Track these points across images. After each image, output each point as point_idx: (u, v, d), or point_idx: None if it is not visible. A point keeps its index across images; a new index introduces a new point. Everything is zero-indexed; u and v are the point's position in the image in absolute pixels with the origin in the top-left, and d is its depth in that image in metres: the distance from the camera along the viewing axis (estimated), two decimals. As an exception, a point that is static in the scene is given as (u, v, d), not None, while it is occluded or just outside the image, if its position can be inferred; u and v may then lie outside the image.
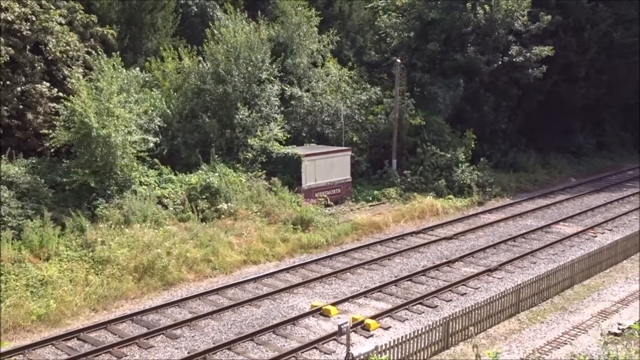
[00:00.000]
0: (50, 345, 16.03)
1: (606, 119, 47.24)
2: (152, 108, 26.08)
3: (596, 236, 26.52)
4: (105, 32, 26.58)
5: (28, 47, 23.74)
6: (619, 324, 16.99)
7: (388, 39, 39.69)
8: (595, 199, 33.79)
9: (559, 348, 16.04)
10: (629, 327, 16.40)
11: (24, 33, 23.16)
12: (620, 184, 37.91)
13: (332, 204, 28.37)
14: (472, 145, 34.26)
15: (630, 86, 44.00)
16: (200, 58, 29.12)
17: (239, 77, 28.59)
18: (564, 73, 39.44)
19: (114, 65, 24.35)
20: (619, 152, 47.55)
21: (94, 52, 25.02)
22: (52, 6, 24.35)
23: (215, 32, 29.35)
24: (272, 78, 30.56)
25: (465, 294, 19.90)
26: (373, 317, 17.58)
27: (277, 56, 31.00)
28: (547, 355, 15.68)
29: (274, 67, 30.42)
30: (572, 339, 16.54)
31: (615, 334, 16.50)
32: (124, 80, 24.59)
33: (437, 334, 15.81)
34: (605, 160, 44.99)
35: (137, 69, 26.65)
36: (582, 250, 24.28)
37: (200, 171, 25.99)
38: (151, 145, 25.15)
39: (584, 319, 17.91)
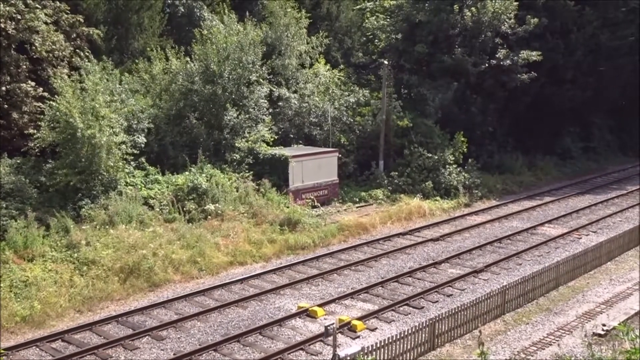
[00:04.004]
0: (34, 347, 15.90)
1: (592, 122, 47.61)
2: (140, 111, 25.95)
3: (581, 238, 26.71)
4: (91, 32, 26.43)
5: (13, 46, 23.56)
6: (603, 325, 17.12)
7: (376, 40, 39.87)
8: (580, 201, 34.04)
9: (544, 349, 16.15)
10: (614, 328, 16.53)
11: (9, 32, 22.98)
12: (604, 186, 38.21)
13: (319, 205, 28.36)
14: (464, 149, 34.36)
15: (616, 89, 44.41)
16: (188, 58, 29.01)
17: (228, 78, 28.52)
18: (551, 76, 39.70)
19: (104, 67, 24.36)
20: (604, 155, 47.94)
21: (82, 52, 24.92)
22: (37, 5, 24.18)
23: (205, 32, 29.27)
24: (261, 80, 30.52)
25: (451, 295, 19.96)
26: (360, 318, 17.59)
27: (266, 58, 30.96)
28: (532, 356, 15.77)
29: (263, 69, 30.38)
30: (557, 340, 16.65)
31: (600, 335, 16.64)
32: (110, 82, 24.64)
33: (424, 335, 15.85)
34: (591, 163, 45.34)
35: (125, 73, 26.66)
36: (567, 251, 24.44)
37: (187, 172, 25.89)
38: (139, 143, 25.04)
39: (569, 320, 18.03)
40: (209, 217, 24.17)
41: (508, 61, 35.87)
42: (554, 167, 41.79)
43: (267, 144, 29.05)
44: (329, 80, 33.96)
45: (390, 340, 14.92)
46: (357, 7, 41.83)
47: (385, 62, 34.33)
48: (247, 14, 31.67)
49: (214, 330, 17.08)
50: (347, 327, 17.05)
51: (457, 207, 31.77)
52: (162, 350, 15.90)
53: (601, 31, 40.70)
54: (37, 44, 23.78)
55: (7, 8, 22.86)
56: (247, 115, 29.25)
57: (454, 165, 33.58)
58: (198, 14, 32.82)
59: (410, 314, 18.44)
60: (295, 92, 32.85)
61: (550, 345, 16.38)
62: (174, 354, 15.55)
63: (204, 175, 25.58)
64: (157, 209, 23.65)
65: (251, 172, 27.37)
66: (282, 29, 33.21)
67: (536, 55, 36.10)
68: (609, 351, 14.77)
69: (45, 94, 23.57)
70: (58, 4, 25.34)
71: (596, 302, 19.41)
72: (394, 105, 34.06)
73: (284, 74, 33.11)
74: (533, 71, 36.48)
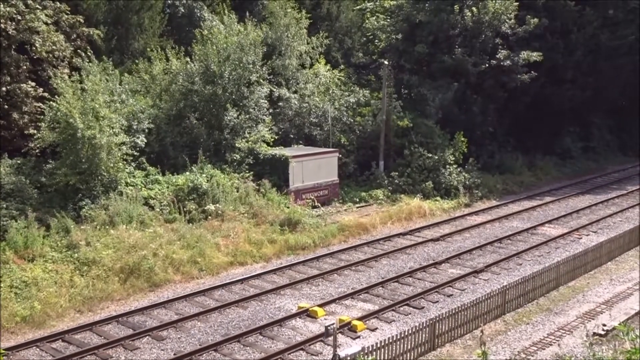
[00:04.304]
0: (34, 347, 15.90)
1: (592, 122, 47.62)
2: (140, 112, 25.96)
3: (581, 238, 26.71)
4: (91, 33, 26.44)
5: (13, 46, 23.57)
6: (604, 325, 17.11)
7: (376, 40, 39.87)
8: (581, 201, 34.04)
9: (544, 349, 16.15)
10: (614, 328, 16.53)
11: (10, 32, 22.99)
12: (604, 186, 38.20)
13: (319, 205, 28.36)
14: (464, 149, 34.35)
15: (616, 89, 44.41)
16: (188, 59, 29.02)
17: (228, 78, 28.53)
18: (551, 75, 39.71)
19: (105, 67, 24.42)
20: (603, 154, 47.94)
21: (83, 53, 24.95)
22: (38, 6, 24.18)
23: (205, 32, 29.27)
24: (261, 80, 30.53)
25: (451, 295, 19.96)
26: (360, 319, 17.60)
27: (266, 58, 30.96)
28: (533, 356, 15.77)
29: (263, 69, 30.38)
30: (558, 340, 16.65)
31: (600, 335, 16.64)
32: (110, 82, 24.72)
33: (424, 335, 15.86)
34: (591, 163, 45.35)
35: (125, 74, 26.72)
36: (567, 252, 24.43)
37: (187, 172, 25.89)
38: (139, 144, 25.06)
39: (569, 320, 18.03)
40: (209, 217, 24.17)
41: (508, 61, 35.88)
42: (554, 167, 41.80)
43: (268, 144, 29.06)
44: (329, 81, 33.96)
45: (390, 341, 14.92)
46: (357, 7, 41.83)
47: (386, 62, 34.33)
48: (247, 14, 31.68)
49: (214, 331, 17.08)
50: (347, 327, 17.05)
51: (457, 207, 31.77)
52: (162, 350, 15.91)
53: (601, 31, 40.70)
54: (37, 45, 23.78)
55: (8, 9, 22.86)
56: (247, 116, 29.25)
57: (454, 166, 33.59)
58: (198, 14, 32.83)
59: (410, 314, 18.44)
60: (295, 92, 32.85)
61: (551, 345, 16.38)
62: (174, 354, 15.55)
63: (204, 175, 25.58)
64: (158, 209, 23.65)
65: (251, 173, 27.37)
66: (282, 29, 33.23)
67: (537, 56, 36.10)
68: (609, 351, 14.78)
69: (46, 94, 23.57)
70: (58, 4, 25.34)
71: (596, 302, 19.40)
72: (394, 106, 34.06)
73: (284, 74, 33.11)
74: (533, 71, 36.49)
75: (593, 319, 18.02)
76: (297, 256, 23.76)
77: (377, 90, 35.24)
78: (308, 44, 34.57)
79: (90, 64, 24.46)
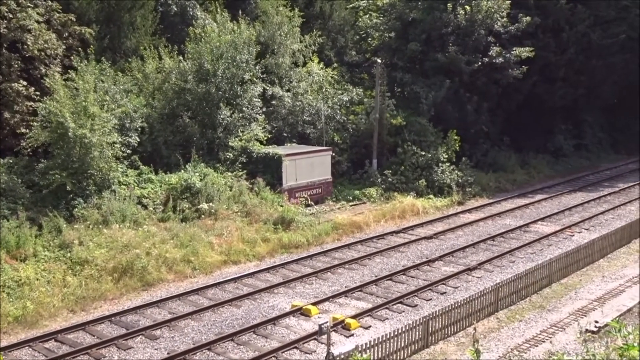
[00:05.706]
0: (27, 347, 15.85)
1: (585, 119, 47.80)
2: (133, 111, 25.87)
3: (573, 235, 26.82)
4: (83, 31, 26.31)
5: (5, 45, 23.44)
6: (596, 322, 17.20)
7: (369, 39, 39.87)
8: (573, 199, 34.16)
9: (537, 346, 16.22)
10: (606, 325, 16.61)
11: (1, 31, 22.85)
12: (597, 184, 38.37)
13: (312, 203, 28.37)
14: (457, 147, 34.40)
15: (608, 87, 44.58)
16: (181, 57, 28.93)
17: (222, 77, 28.47)
18: (543, 74, 39.84)
19: (102, 68, 24.43)
20: (596, 152, 48.13)
21: (82, 52, 24.85)
22: (29, 4, 24.04)
23: (198, 31, 29.19)
24: (254, 78, 30.48)
25: (445, 293, 20.01)
26: (353, 317, 17.62)
27: (259, 57, 30.91)
28: (525, 353, 15.84)
29: (257, 68, 30.33)
30: (550, 337, 16.72)
31: (593, 332, 16.72)
32: (105, 82, 24.67)
33: (417, 333, 15.89)
34: (583, 161, 45.50)
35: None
36: (560, 249, 24.53)
37: (181, 171, 25.82)
38: (131, 143, 24.98)
39: (562, 317, 18.11)
40: (203, 216, 24.13)
41: (500, 58, 35.96)
42: (547, 165, 41.92)
43: (261, 142, 29.01)
44: (323, 79, 33.92)
45: (384, 338, 14.96)
46: (350, 5, 41.80)
47: (379, 60, 34.36)
48: (240, 12, 31.60)
49: (207, 329, 17.06)
50: (341, 326, 17.08)
51: (450, 205, 31.86)
52: (155, 349, 15.88)
53: (593, 29, 40.84)
54: (29, 43, 23.65)
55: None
56: (240, 114, 29.21)
57: (447, 164, 33.66)
58: (191, 12, 32.68)
59: (404, 312, 18.47)
60: (288, 90, 32.83)
61: (543, 342, 16.45)
62: (168, 353, 15.52)
63: (197, 174, 25.51)
64: (151, 208, 23.58)
65: (245, 171, 27.31)
66: (275, 28, 33.19)
67: (528, 51, 36.21)
68: (601, 348, 14.84)
69: (38, 93, 23.45)
70: (50, 2, 25.17)
71: (589, 299, 19.50)
72: (387, 104, 34.08)
73: (278, 73, 33.08)
74: (525, 68, 36.56)
75: (585, 315, 18.12)
76: (290, 255, 23.75)
77: (370, 89, 35.25)
78: (301, 42, 34.54)
79: (88, 64, 24.33)
